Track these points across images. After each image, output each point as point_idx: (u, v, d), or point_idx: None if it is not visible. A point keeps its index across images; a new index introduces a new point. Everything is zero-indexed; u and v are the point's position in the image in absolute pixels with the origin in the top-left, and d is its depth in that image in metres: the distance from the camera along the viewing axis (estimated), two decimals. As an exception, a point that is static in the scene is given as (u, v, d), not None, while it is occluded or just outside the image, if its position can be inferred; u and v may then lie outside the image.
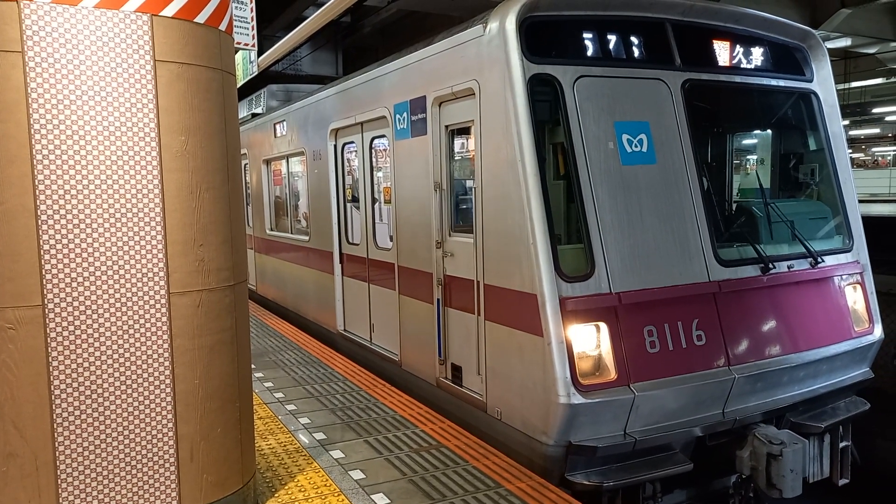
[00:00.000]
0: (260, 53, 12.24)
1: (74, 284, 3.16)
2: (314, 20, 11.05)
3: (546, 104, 4.84)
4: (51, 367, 3.16)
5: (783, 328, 5.25)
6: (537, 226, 4.54)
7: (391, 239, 6.71)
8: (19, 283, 3.08)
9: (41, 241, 3.09)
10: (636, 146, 4.92)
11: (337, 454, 4.79)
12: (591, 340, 4.61)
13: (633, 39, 5.10)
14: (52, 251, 3.11)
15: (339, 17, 10.67)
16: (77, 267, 3.16)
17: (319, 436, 5.14)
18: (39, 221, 3.08)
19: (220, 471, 3.60)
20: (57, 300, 3.14)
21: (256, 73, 10.24)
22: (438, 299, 5.86)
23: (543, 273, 4.51)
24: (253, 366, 7.06)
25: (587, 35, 4.95)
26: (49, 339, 3.14)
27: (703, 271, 4.98)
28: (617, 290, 4.66)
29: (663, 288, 4.80)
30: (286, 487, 4.26)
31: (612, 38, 5.03)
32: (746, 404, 5.04)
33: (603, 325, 4.61)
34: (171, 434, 3.41)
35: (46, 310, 3.13)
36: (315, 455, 4.77)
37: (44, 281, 3.11)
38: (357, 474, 4.45)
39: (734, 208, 5.95)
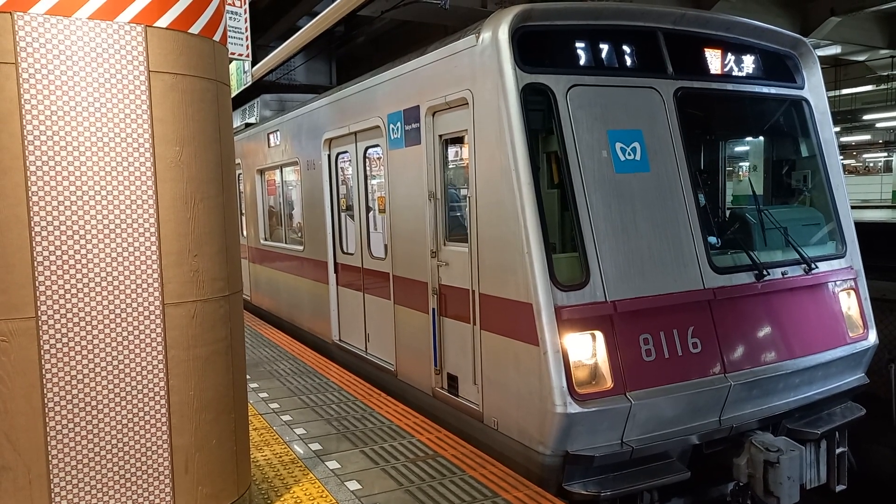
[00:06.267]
0: (254, 63, 12.24)
1: (68, 296, 3.15)
2: (308, 30, 11.07)
3: (539, 113, 4.85)
4: (44, 379, 3.13)
5: (778, 335, 5.25)
6: (532, 235, 4.53)
7: (386, 248, 6.69)
8: (12, 294, 3.06)
9: (35, 253, 3.08)
10: (629, 154, 4.92)
11: (333, 465, 4.76)
12: (586, 349, 4.58)
13: (626, 48, 5.10)
14: (46, 262, 3.10)
15: (332, 27, 10.70)
16: (71, 278, 3.15)
17: (315, 446, 5.11)
18: (33, 233, 3.07)
19: (216, 483, 3.58)
20: (51, 312, 3.12)
21: (250, 82, 10.26)
22: (434, 309, 5.82)
23: (538, 282, 4.49)
24: (248, 376, 7.03)
25: (580, 44, 4.96)
26: (42, 350, 3.12)
27: (697, 279, 4.97)
28: (612, 299, 4.64)
29: (658, 296, 4.78)
30: (282, 499, 4.24)
31: (605, 48, 5.03)
32: (743, 411, 5.03)
33: (598, 334, 4.59)
34: (165, 446, 3.39)
35: (40, 321, 3.11)
36: (311, 466, 4.74)
37: (37, 292, 3.09)
38: (353, 485, 4.43)
39: (728, 215, 5.95)
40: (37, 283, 3.09)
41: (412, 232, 6.08)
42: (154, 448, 3.37)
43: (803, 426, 5.35)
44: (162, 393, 3.36)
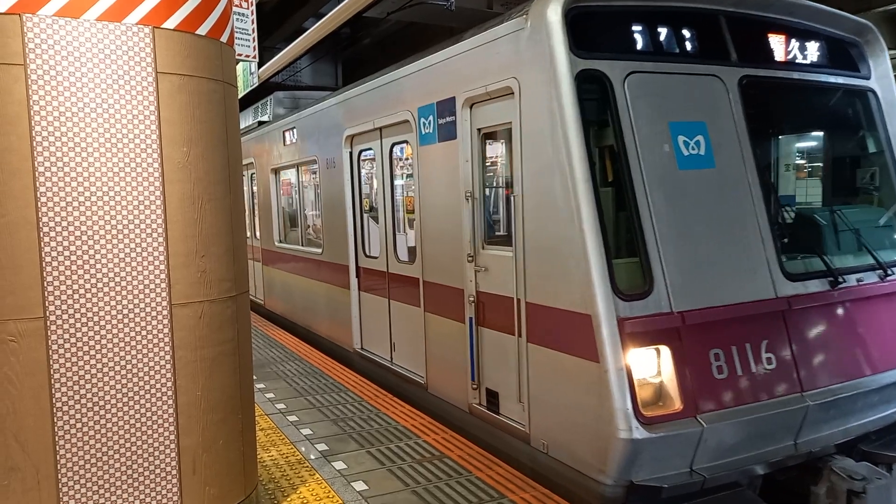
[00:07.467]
0: (260, 65, 12.27)
1: (76, 296, 3.16)
2: (314, 32, 11.11)
3: (594, 103, 4.41)
4: (52, 380, 3.15)
5: (855, 348, 4.79)
6: (589, 238, 4.08)
7: (413, 252, 6.30)
8: (21, 295, 3.07)
9: (43, 253, 3.09)
10: (693, 149, 4.49)
11: (339, 465, 4.76)
12: (651, 366, 4.14)
13: (686, 33, 4.67)
14: (54, 263, 3.11)
15: (338, 29, 10.72)
16: (79, 279, 3.16)
17: (321, 447, 5.12)
18: (41, 233, 3.08)
19: (223, 483, 3.59)
20: (59, 312, 3.13)
21: (257, 84, 10.28)
22: (471, 318, 5.37)
23: (598, 291, 4.04)
24: (254, 377, 7.04)
25: (637, 28, 4.51)
26: (51, 351, 3.13)
27: (768, 286, 4.52)
28: (679, 309, 4.19)
29: (729, 306, 4.32)
30: (289, 499, 4.24)
31: (664, 31, 4.59)
32: (819, 434, 4.54)
33: (664, 349, 4.14)
34: (173, 446, 3.40)
35: (48, 322, 3.12)
36: (317, 466, 4.75)
37: (45, 293, 3.11)
38: (360, 485, 4.43)
39: (795, 216, 5.41)
40: (45, 283, 3.10)
41: (445, 234, 5.65)
42: (161, 448, 3.38)
43: (880, 449, 4.81)
44: (169, 393, 3.37)
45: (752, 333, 4.39)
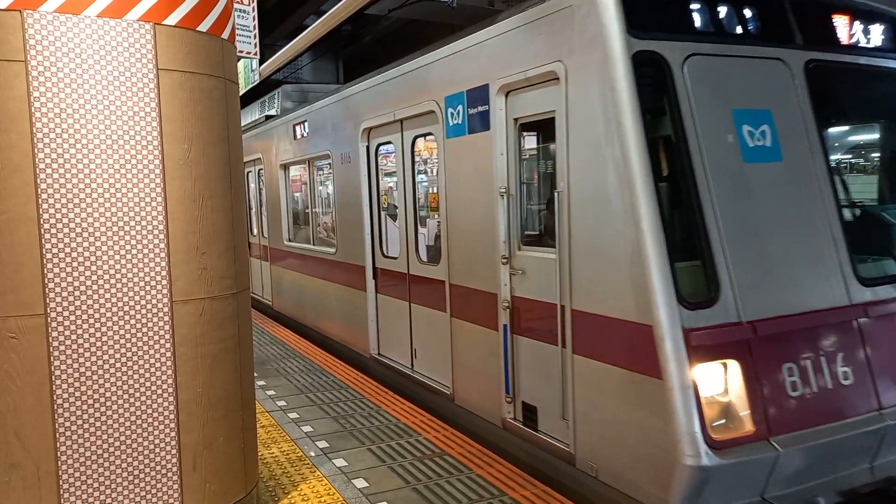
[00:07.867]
0: (261, 62, 12.24)
1: (77, 293, 3.16)
2: (315, 28, 11.10)
3: (650, 88, 4.00)
4: (53, 377, 3.15)
5: None
6: (649, 238, 3.69)
7: (440, 253, 5.94)
8: (22, 292, 3.07)
9: (44, 251, 3.09)
10: (759, 139, 4.10)
11: (340, 462, 4.77)
12: (719, 383, 3.75)
13: (748, 12, 4.28)
14: (55, 260, 3.11)
15: (339, 26, 10.70)
16: (80, 276, 3.16)
17: (322, 444, 5.12)
18: (42, 230, 3.08)
19: (223, 480, 3.59)
20: (59, 309, 3.13)
21: (258, 81, 10.26)
22: (505, 325, 5.02)
23: (660, 298, 3.64)
24: (255, 374, 7.04)
25: (695, 5, 4.13)
26: (52, 348, 3.13)
27: (842, 293, 4.13)
28: (749, 319, 3.78)
29: (802, 315, 3.94)
30: (289, 496, 4.24)
31: (724, 10, 4.21)
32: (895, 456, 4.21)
33: (733, 364, 3.73)
34: (173, 443, 3.40)
35: (49, 319, 3.12)
36: (318, 463, 4.75)
37: (46, 290, 3.10)
38: (360, 483, 4.43)
39: (865, 214, 5.02)
40: (46, 280, 3.10)
41: (476, 234, 5.29)
42: (162, 445, 3.38)
43: None
44: (170, 390, 3.37)
45: (826, 345, 4.02)
